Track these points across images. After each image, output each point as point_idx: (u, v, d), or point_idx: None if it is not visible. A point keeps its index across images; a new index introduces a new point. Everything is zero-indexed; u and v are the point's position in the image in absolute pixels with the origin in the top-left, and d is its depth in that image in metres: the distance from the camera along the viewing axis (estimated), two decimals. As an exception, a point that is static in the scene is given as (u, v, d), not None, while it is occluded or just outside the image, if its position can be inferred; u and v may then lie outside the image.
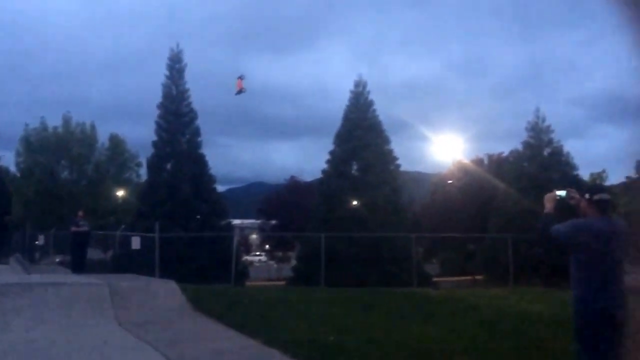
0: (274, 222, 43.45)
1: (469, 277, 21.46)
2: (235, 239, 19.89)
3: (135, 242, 17.16)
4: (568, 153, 22.85)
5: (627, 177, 26.33)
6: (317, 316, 9.89)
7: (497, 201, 23.40)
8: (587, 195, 3.88)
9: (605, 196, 3.85)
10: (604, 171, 33.44)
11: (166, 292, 9.80)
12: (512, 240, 17.82)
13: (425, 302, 12.51)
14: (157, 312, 8.77)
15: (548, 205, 4.13)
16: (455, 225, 29.12)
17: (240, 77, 19.64)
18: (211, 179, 23.61)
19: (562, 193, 4.17)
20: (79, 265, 14.95)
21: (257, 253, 53.44)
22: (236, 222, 35.12)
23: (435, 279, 21.11)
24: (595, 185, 3.95)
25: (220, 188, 27.60)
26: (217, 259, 18.68)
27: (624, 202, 25.17)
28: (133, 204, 28.32)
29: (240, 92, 19.40)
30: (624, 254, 3.90)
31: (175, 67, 23.91)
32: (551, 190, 4.33)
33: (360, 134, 21.38)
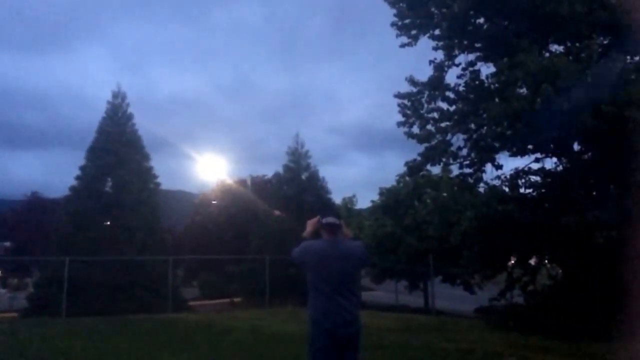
0: (7, 244, 37.96)
1: (227, 300, 21.25)
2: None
3: None
4: (323, 178, 24.39)
5: (372, 201, 29.25)
6: (53, 352, 8.70)
7: (257, 222, 23.80)
8: (320, 219, 4.18)
9: (331, 219, 4.12)
10: (354, 196, 36.70)
11: None
12: (270, 260, 18.16)
13: (180, 329, 12.00)
14: None
15: (307, 229, 4.29)
16: (217, 246, 28.94)
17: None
18: None
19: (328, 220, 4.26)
20: None
21: (-16, 281, 45.60)
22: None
23: (192, 303, 20.34)
24: (326, 210, 4.55)
25: None
26: None
27: (369, 225, 27.99)
28: None
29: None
30: (353, 274, 4.14)
31: None
32: (307, 212, 4.44)
33: (117, 149, 19.63)
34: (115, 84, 21.68)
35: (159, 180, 21.05)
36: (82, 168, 19.84)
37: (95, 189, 19.47)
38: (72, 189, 19.70)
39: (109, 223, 19.22)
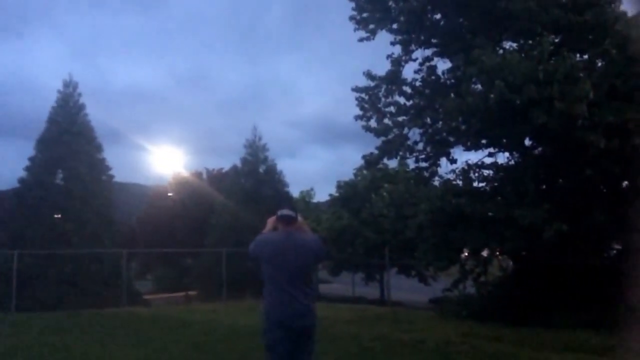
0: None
1: (182, 294, 20.97)
2: None
3: None
4: (281, 171, 24.31)
5: (330, 195, 29.32)
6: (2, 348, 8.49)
7: (214, 215, 23.56)
8: (277, 211, 4.22)
9: (285, 212, 4.16)
10: (312, 189, 36.58)
11: None
12: (227, 253, 18.01)
13: (133, 323, 11.78)
14: None
15: (267, 227, 4.30)
16: (173, 239, 28.52)
17: None
18: None
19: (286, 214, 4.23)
20: None
21: None
22: None
23: (147, 297, 20.01)
24: (282, 202, 4.76)
25: None
26: None
27: (326, 218, 28.08)
28: None
29: None
30: (307, 267, 4.18)
31: None
32: (265, 206, 4.49)
33: (68, 140, 18.99)
34: (67, 73, 21.03)
35: (112, 172, 20.54)
36: (31, 159, 19.18)
37: (45, 180, 18.85)
38: (21, 180, 19.03)
39: (59, 215, 18.65)
